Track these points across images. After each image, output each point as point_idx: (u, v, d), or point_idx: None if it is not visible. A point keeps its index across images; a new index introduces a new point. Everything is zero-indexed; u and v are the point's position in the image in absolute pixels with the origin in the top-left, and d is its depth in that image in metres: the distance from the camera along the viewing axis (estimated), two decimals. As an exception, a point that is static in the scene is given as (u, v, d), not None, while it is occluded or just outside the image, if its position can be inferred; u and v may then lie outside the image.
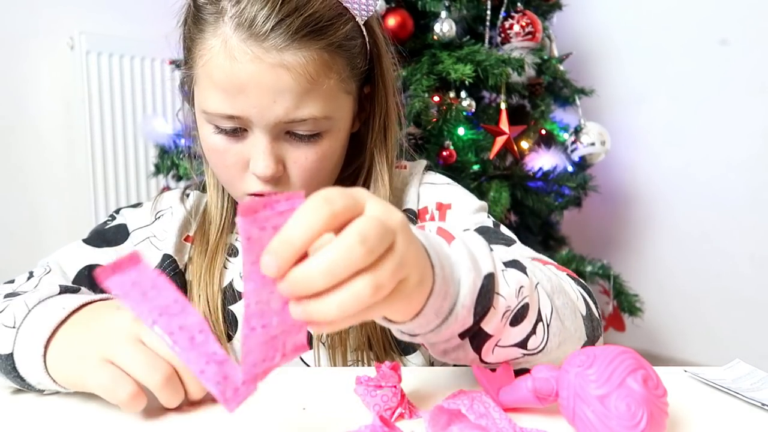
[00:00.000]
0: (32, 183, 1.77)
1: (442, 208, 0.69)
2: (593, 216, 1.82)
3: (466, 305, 0.40)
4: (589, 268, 1.55)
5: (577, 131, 1.51)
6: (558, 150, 1.44)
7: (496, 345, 0.44)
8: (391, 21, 1.28)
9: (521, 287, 0.44)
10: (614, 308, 1.55)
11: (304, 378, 0.51)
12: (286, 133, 0.59)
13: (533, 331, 0.45)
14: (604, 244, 1.99)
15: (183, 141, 1.44)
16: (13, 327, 0.45)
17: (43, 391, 0.47)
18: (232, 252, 0.69)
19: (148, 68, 1.88)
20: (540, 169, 1.41)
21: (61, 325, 0.44)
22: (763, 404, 0.46)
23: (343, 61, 0.59)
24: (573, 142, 1.50)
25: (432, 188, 0.72)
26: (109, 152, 1.82)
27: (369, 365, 0.65)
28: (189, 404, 0.45)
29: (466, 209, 0.69)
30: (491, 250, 0.45)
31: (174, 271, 0.67)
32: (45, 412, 0.45)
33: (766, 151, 1.73)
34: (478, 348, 0.44)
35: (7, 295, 0.54)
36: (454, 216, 0.68)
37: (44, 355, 0.44)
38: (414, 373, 0.53)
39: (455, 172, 1.31)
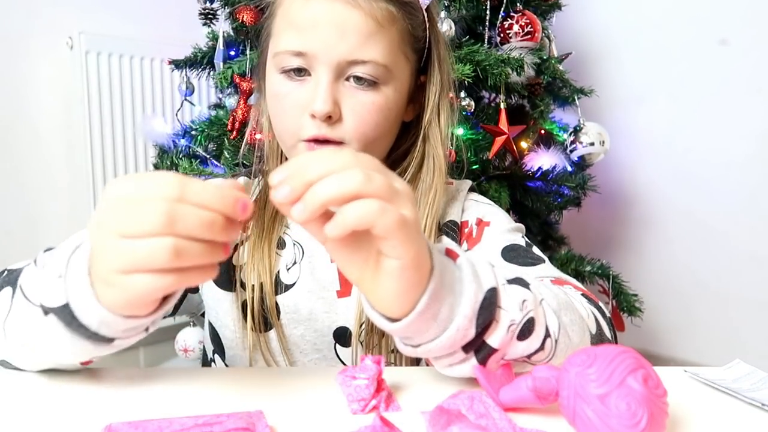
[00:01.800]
0: (31, 183, 1.77)
1: (480, 224, 0.71)
2: (593, 216, 1.82)
3: (467, 315, 0.42)
4: (588, 268, 1.55)
5: (577, 131, 1.51)
6: (557, 150, 1.44)
7: (502, 358, 0.45)
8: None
9: (524, 301, 0.45)
10: (613, 308, 1.55)
11: (304, 378, 0.51)
12: (346, 79, 0.62)
13: (541, 347, 0.46)
14: (604, 244, 1.99)
15: (183, 141, 1.44)
16: (61, 276, 0.42)
17: (113, 339, 0.43)
18: (280, 244, 0.70)
19: (148, 68, 1.88)
20: (539, 169, 1.40)
21: (89, 260, 0.41)
22: (763, 404, 0.46)
23: (406, 24, 0.64)
24: (572, 142, 1.50)
25: (475, 205, 0.75)
26: (108, 152, 1.82)
27: (407, 365, 0.66)
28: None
29: (502, 228, 0.71)
30: (493, 266, 0.47)
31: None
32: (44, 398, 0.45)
33: (765, 151, 1.73)
34: (483, 362, 0.45)
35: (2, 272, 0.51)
36: (491, 233, 0.71)
37: (95, 294, 0.40)
38: (414, 373, 0.53)
39: (455, 172, 1.31)
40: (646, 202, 1.95)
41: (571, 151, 1.50)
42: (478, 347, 0.44)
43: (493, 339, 0.44)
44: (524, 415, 0.43)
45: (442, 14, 1.31)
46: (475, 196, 0.77)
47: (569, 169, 1.47)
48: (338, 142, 0.63)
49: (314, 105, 0.61)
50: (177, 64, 1.49)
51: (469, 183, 0.78)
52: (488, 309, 0.43)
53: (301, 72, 0.63)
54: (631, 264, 1.90)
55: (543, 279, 0.61)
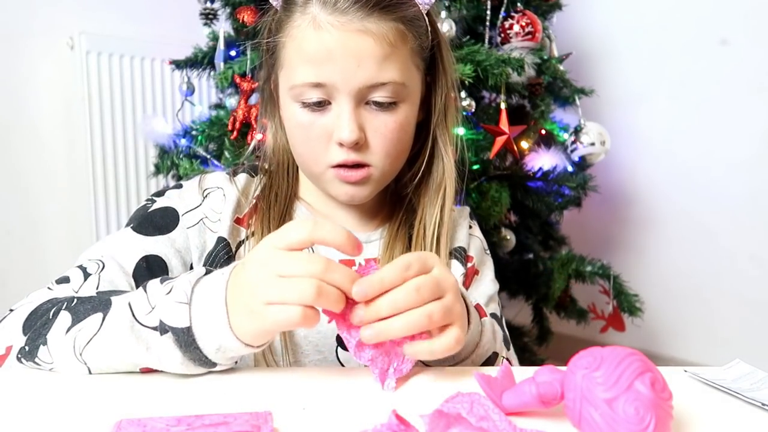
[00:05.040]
0: (31, 183, 1.77)
1: (471, 272, 0.76)
2: (593, 216, 1.82)
3: (475, 362, 0.58)
4: (588, 268, 1.55)
5: (577, 131, 1.51)
6: (558, 150, 1.44)
7: None
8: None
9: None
10: (614, 308, 1.55)
11: (304, 378, 0.51)
12: (365, 103, 0.64)
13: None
14: (604, 244, 1.99)
15: (183, 141, 1.44)
16: (186, 303, 0.48)
17: (216, 364, 0.49)
18: None
19: (148, 68, 1.88)
20: (540, 169, 1.40)
21: (226, 292, 0.48)
22: (763, 404, 0.46)
23: (414, 35, 0.65)
24: (573, 142, 1.50)
25: (476, 243, 0.80)
26: (109, 152, 1.82)
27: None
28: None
29: (487, 280, 0.78)
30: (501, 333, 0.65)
31: (228, 254, 0.68)
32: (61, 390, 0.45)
33: (766, 151, 1.73)
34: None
35: (71, 300, 0.54)
36: (477, 285, 0.76)
37: (228, 322, 0.47)
38: (411, 374, 0.53)
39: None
40: (646, 202, 1.95)
41: (572, 151, 1.50)
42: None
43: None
44: (525, 417, 0.43)
45: (443, 14, 1.31)
46: (475, 230, 0.81)
47: (570, 169, 1.46)
48: (366, 165, 0.66)
49: (341, 134, 0.63)
50: (177, 65, 1.49)
51: (467, 209, 0.82)
52: (488, 364, 0.59)
53: (321, 103, 0.64)
54: (631, 264, 1.90)
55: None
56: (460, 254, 0.76)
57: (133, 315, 0.49)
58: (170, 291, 0.49)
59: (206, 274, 0.51)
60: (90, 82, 1.76)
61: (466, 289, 0.75)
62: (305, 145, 0.67)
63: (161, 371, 0.50)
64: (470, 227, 0.80)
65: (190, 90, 1.51)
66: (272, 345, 0.67)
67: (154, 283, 0.51)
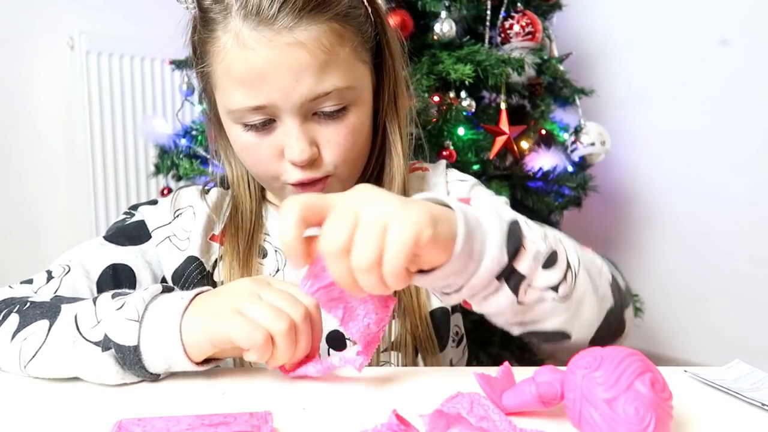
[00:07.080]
0: (32, 183, 1.77)
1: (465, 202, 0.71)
2: (593, 216, 1.82)
3: (498, 244, 0.44)
4: (589, 268, 1.54)
5: (577, 131, 1.51)
6: (558, 150, 1.44)
7: (529, 286, 0.47)
8: (391, 21, 1.27)
9: (545, 234, 0.48)
10: (614, 308, 1.55)
11: (304, 378, 0.51)
12: (313, 114, 0.59)
13: (564, 278, 0.48)
14: (604, 244, 1.99)
15: (183, 141, 1.44)
16: (137, 320, 0.47)
17: (159, 376, 0.49)
18: (262, 253, 0.68)
19: (148, 68, 1.88)
20: (540, 169, 1.40)
21: (186, 309, 0.47)
22: (763, 404, 0.46)
23: (353, 30, 0.59)
24: (573, 142, 1.50)
25: (458, 186, 0.73)
26: (109, 152, 1.82)
27: (398, 365, 0.66)
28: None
29: (486, 198, 0.71)
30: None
31: (201, 273, 0.67)
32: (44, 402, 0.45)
33: (766, 151, 1.73)
34: (515, 289, 0.46)
35: (23, 302, 0.53)
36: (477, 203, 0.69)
37: (180, 332, 0.46)
38: (410, 374, 0.53)
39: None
40: (646, 202, 1.95)
41: (572, 152, 1.50)
42: (508, 274, 0.45)
43: (522, 266, 0.45)
44: (525, 417, 0.43)
45: (443, 14, 1.31)
46: (454, 175, 0.74)
47: (570, 169, 1.47)
48: (325, 178, 0.62)
49: (292, 155, 0.58)
50: (177, 64, 1.49)
51: (443, 163, 0.76)
52: (515, 236, 0.45)
53: (265, 123, 0.59)
54: (631, 264, 1.90)
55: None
56: None
57: (78, 328, 0.48)
58: (122, 306, 0.48)
59: (165, 291, 0.50)
60: (90, 82, 1.76)
61: None
62: (258, 167, 0.63)
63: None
64: (446, 175, 0.74)
65: (190, 90, 1.51)
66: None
67: (104, 297, 0.50)
